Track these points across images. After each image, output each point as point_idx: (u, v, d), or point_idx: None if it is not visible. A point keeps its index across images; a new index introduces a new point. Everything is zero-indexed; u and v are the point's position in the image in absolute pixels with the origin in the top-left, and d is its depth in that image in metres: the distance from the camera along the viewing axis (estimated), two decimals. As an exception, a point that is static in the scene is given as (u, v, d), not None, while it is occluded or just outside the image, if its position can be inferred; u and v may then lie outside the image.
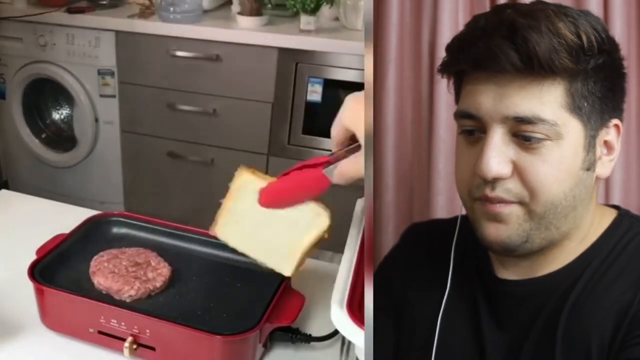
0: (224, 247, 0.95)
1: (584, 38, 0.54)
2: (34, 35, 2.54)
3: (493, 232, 0.58)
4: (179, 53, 2.37)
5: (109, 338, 0.80)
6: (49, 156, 2.74)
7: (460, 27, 0.98)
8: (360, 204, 0.81)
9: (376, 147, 0.99)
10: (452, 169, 0.99)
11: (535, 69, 0.54)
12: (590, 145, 0.57)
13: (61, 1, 2.53)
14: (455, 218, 0.68)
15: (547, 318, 0.59)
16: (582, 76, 0.55)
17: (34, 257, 0.89)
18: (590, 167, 0.58)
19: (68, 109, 2.81)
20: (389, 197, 0.99)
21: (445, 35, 0.98)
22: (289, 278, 0.87)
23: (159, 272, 0.88)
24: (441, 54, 0.98)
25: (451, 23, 0.98)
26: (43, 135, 2.79)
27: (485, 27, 0.56)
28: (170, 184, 2.57)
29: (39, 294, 0.83)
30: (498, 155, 0.56)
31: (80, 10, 2.45)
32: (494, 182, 0.56)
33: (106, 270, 0.86)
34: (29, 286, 0.83)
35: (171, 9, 2.36)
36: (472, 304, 0.64)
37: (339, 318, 0.59)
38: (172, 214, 2.48)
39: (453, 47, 0.59)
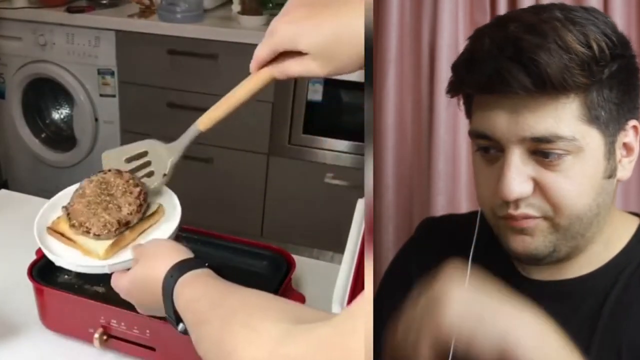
0: (224, 247, 0.95)
1: (595, 47, 0.52)
2: (33, 35, 2.53)
3: (520, 244, 0.58)
4: (179, 52, 2.37)
5: (109, 338, 0.80)
6: (49, 156, 2.74)
7: (460, 28, 0.99)
8: (360, 204, 0.81)
9: (376, 147, 0.99)
10: (452, 169, 0.99)
11: (548, 90, 0.52)
12: (610, 152, 0.56)
13: (61, 0, 2.53)
14: (471, 213, 0.67)
15: (584, 320, 0.58)
16: (596, 86, 0.54)
17: (34, 257, 0.89)
18: (612, 174, 0.57)
19: (68, 109, 2.81)
20: (389, 197, 0.99)
21: (445, 36, 0.98)
22: (289, 278, 0.87)
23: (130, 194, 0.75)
24: (441, 54, 0.98)
25: (451, 23, 0.98)
26: (43, 135, 2.79)
27: (491, 47, 0.54)
28: (169, 184, 2.57)
29: (39, 294, 0.83)
30: (518, 176, 0.55)
31: (80, 10, 2.45)
32: (517, 201, 0.56)
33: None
34: (29, 286, 0.83)
35: (171, 8, 2.36)
36: None
37: None
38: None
39: (459, 68, 0.58)
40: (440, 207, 0.99)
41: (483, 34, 0.57)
